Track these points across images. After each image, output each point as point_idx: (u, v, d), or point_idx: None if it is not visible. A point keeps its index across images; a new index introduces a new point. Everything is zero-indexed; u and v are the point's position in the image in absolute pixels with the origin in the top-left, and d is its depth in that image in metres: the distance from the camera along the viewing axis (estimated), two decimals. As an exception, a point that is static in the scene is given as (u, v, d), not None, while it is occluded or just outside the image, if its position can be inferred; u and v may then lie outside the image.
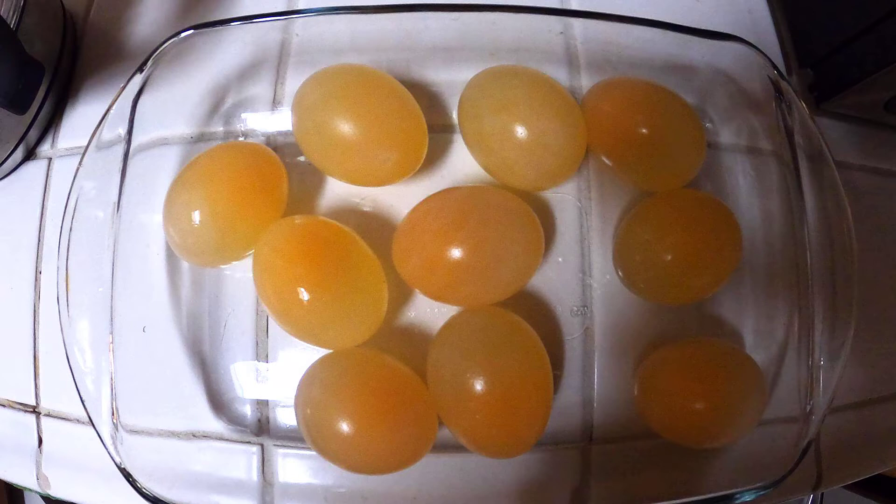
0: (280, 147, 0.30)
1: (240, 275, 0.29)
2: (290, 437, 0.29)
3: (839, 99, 0.32)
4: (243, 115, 0.31)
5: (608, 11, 0.28)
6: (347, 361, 0.27)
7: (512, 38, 0.30)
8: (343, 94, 0.28)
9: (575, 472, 0.29)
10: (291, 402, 0.27)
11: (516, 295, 0.28)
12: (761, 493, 0.26)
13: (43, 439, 0.31)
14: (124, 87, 0.27)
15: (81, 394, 0.26)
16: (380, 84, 0.29)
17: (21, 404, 0.31)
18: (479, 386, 0.25)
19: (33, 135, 0.32)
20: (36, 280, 0.32)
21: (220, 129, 0.31)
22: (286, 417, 0.29)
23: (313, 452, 0.27)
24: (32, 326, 0.31)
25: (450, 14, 0.28)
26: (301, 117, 0.28)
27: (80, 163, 0.27)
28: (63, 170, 0.32)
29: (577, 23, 0.31)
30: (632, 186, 0.30)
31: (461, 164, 0.30)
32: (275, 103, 0.31)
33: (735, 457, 0.28)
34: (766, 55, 0.29)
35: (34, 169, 0.33)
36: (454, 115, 0.30)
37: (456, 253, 0.26)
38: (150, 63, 0.27)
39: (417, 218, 0.28)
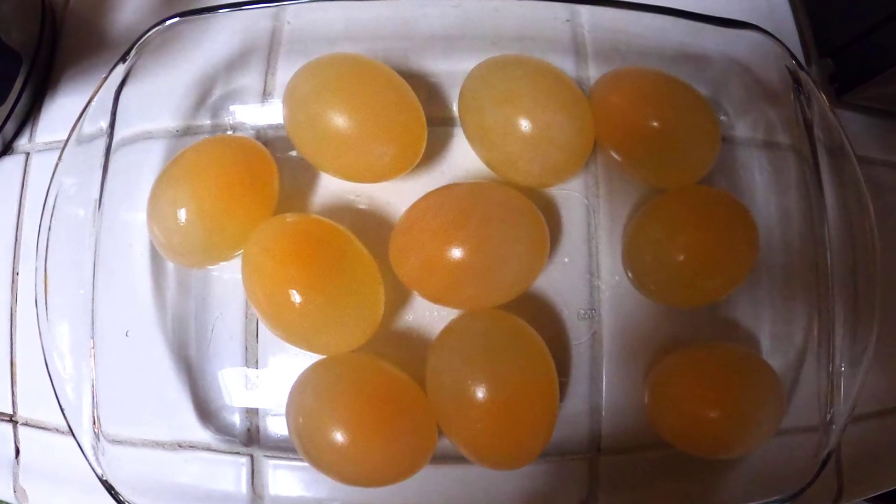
0: (270, 141, 0.30)
1: (228, 276, 0.29)
2: (282, 448, 0.28)
3: (861, 90, 0.31)
4: (232, 108, 0.31)
5: (617, -2, 0.29)
6: (342, 368, 0.27)
7: (515, 26, 0.30)
8: (337, 85, 0.28)
9: (582, 484, 0.29)
10: (282, 410, 0.27)
11: (520, 297, 0.28)
12: (779, 506, 0.26)
13: (20, 450, 0.31)
14: (106, 78, 0.27)
15: (61, 402, 0.25)
16: (376, 75, 0.28)
17: (-3, 413, 0.31)
18: (480, 393, 0.25)
19: (10, 128, 0.32)
20: (13, 282, 0.31)
21: (208, 122, 0.31)
22: (277, 427, 0.29)
23: (305, 464, 0.26)
24: (9, 331, 0.31)
25: (450, 0, 0.28)
26: (293, 110, 0.28)
27: (59, 158, 0.27)
28: (41, 165, 0.32)
29: (584, 10, 0.30)
30: (642, 183, 0.30)
31: (462, 159, 0.30)
32: (265, 95, 0.31)
33: (751, 468, 0.28)
34: (783, 44, 0.28)
35: (11, 164, 0.33)
36: (454, 108, 0.30)
37: (456, 253, 0.26)
38: (133, 52, 0.27)
39: (416, 216, 0.27)
